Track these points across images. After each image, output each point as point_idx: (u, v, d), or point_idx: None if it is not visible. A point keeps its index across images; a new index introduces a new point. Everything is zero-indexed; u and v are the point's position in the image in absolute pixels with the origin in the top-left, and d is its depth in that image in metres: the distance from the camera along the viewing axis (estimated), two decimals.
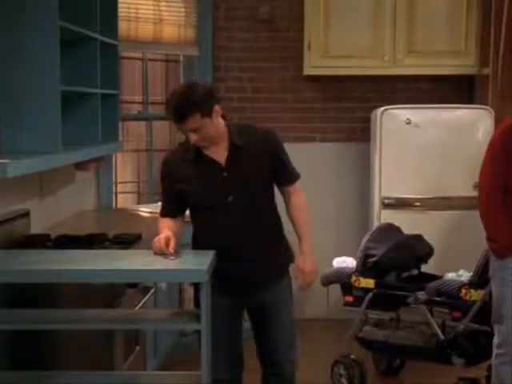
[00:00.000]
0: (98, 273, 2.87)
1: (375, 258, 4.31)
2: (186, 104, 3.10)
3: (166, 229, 3.23)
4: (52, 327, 3.04)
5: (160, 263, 2.96)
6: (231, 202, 3.21)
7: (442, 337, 4.12)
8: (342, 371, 4.49)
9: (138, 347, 3.74)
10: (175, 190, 3.27)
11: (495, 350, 3.72)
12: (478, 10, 5.48)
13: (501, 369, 3.71)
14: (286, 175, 3.39)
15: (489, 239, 3.71)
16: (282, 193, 3.43)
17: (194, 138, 3.16)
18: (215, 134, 3.20)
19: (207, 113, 3.13)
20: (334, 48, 5.53)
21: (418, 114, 5.23)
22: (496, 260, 3.67)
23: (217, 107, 3.19)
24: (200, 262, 2.93)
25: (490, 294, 3.83)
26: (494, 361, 3.74)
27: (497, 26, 5.27)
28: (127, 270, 2.92)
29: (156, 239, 3.13)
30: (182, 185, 3.24)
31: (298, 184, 3.43)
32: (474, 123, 5.20)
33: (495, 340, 3.72)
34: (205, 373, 2.92)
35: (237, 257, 3.22)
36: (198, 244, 3.31)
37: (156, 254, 3.08)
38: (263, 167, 3.28)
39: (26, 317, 3.01)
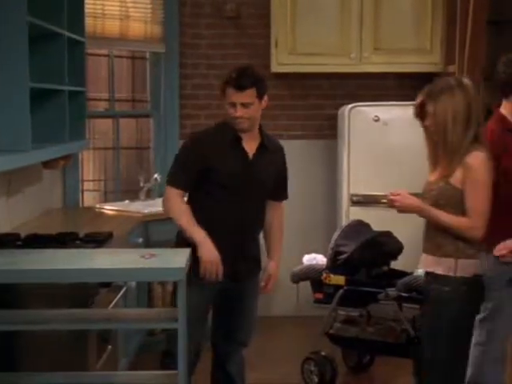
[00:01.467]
0: (73, 272, 2.84)
1: (345, 255, 4.32)
2: (251, 77, 3.44)
3: (197, 226, 3.42)
4: (24, 328, 2.99)
5: (136, 262, 2.94)
6: (247, 191, 3.50)
7: (413, 332, 4.15)
8: (313, 368, 4.50)
9: (110, 347, 3.70)
10: (201, 167, 3.47)
11: (479, 348, 3.73)
12: (444, 8, 5.55)
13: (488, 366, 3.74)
14: (282, 191, 3.73)
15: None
16: (270, 206, 3.69)
17: (239, 112, 3.41)
18: (256, 119, 3.50)
19: (261, 95, 3.47)
20: (301, 45, 5.54)
21: (386, 111, 5.27)
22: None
23: (266, 97, 3.52)
24: (177, 261, 2.91)
25: None
26: (477, 359, 3.75)
27: (462, 24, 5.32)
28: (103, 270, 2.90)
29: (211, 261, 3.36)
30: (215, 163, 3.46)
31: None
32: None
33: (479, 338, 3.73)
34: (181, 372, 2.90)
35: (237, 238, 3.51)
36: (202, 220, 3.45)
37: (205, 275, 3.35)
38: (274, 175, 3.62)
39: None
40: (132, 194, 5.60)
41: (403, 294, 4.15)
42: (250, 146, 3.53)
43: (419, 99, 3.33)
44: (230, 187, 3.48)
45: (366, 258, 4.36)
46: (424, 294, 3.41)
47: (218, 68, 5.82)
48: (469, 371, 3.69)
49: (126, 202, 5.40)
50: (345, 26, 5.54)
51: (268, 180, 3.58)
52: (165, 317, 2.96)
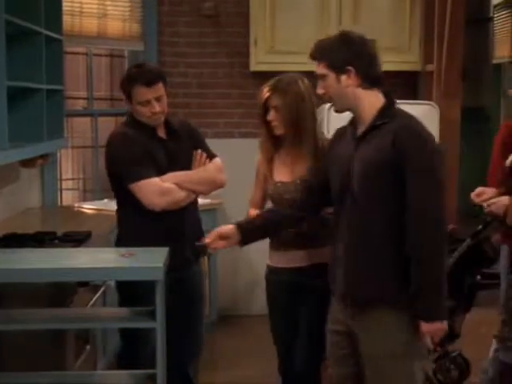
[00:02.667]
0: (51, 272, 2.82)
1: None
2: (154, 71, 3.49)
3: None
4: (1, 328, 2.97)
5: (114, 261, 2.93)
6: None
7: None
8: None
9: (88, 346, 3.69)
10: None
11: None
12: (422, 7, 5.58)
13: None
14: (207, 154, 3.67)
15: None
16: None
17: (157, 107, 3.39)
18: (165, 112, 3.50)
19: (166, 86, 3.48)
20: (280, 44, 5.55)
21: None
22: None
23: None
24: (154, 260, 2.90)
25: None
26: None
27: (440, 23, 5.36)
28: (81, 269, 2.88)
29: None
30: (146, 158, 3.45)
31: None
32: (419, 119, 5.25)
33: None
34: (160, 371, 2.89)
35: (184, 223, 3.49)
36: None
37: None
38: (192, 151, 3.60)
39: None
40: (111, 192, 5.56)
41: None
42: (162, 134, 3.53)
43: (265, 94, 3.31)
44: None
45: None
46: None
47: (197, 66, 5.82)
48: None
49: (105, 200, 5.37)
50: (323, 24, 5.54)
51: (190, 160, 3.54)
52: (143, 316, 2.95)
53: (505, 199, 3.53)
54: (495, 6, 9.31)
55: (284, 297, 3.40)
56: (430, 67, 5.45)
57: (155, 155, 3.44)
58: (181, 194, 3.43)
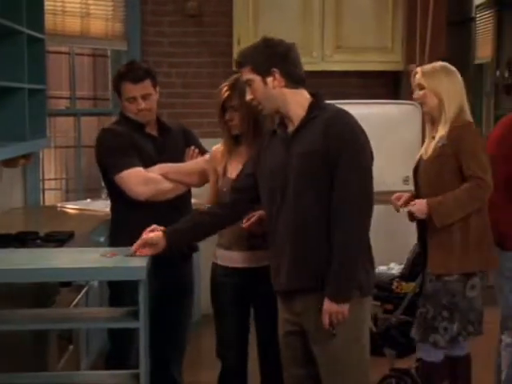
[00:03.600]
0: (33, 272, 2.81)
1: None
2: (142, 68, 3.53)
3: None
4: None
5: (97, 261, 2.92)
6: None
7: (374, 329, 4.17)
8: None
9: (71, 346, 3.68)
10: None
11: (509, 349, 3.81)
12: (404, 7, 5.60)
13: None
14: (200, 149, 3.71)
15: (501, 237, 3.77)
16: None
17: (143, 104, 3.43)
18: (155, 111, 3.57)
19: (155, 84, 3.53)
20: None
21: (348, 109, 5.25)
22: (503, 253, 3.75)
23: (157, 88, 3.58)
24: (138, 260, 2.90)
25: (420, 286, 3.92)
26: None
27: (422, 23, 5.39)
28: (63, 269, 2.87)
29: None
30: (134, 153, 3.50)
31: None
32: (402, 118, 5.30)
33: (507, 340, 3.82)
34: (143, 370, 2.89)
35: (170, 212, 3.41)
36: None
37: None
38: (184, 148, 3.65)
39: None
40: (94, 192, 5.57)
41: None
42: (153, 131, 3.57)
43: (225, 94, 3.34)
44: None
45: None
46: None
47: (180, 66, 5.82)
48: (503, 373, 3.76)
49: (88, 200, 5.37)
50: (307, 24, 5.57)
51: (181, 156, 3.57)
52: (126, 316, 2.94)
53: (424, 200, 3.59)
54: (477, 7, 9.37)
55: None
56: (412, 67, 5.47)
57: (143, 149, 3.47)
58: (166, 185, 3.44)
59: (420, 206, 3.59)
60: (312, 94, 2.93)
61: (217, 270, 3.46)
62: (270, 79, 2.84)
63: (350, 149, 2.81)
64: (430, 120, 3.69)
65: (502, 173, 3.66)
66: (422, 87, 3.66)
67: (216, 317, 3.48)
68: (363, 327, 3.00)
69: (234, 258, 3.37)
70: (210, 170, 3.45)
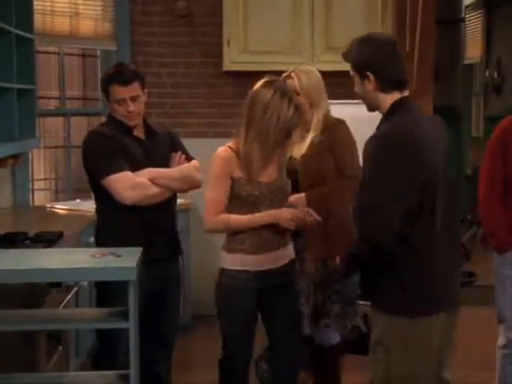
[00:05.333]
0: (22, 272, 2.80)
1: None
2: (131, 70, 3.53)
3: None
4: None
5: (86, 262, 2.91)
6: None
7: (365, 329, 4.19)
8: (264, 366, 4.50)
9: (60, 347, 3.67)
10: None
11: (501, 351, 3.81)
12: (393, 8, 5.60)
13: (508, 369, 3.79)
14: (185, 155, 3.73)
15: (488, 235, 3.80)
16: None
17: (131, 107, 3.42)
18: (142, 113, 3.55)
19: (143, 87, 3.55)
20: (253, 43, 5.55)
21: (338, 109, 5.27)
22: (497, 257, 3.77)
23: (145, 90, 3.58)
24: (127, 260, 2.89)
25: None
26: (500, 362, 3.81)
27: (412, 24, 5.40)
28: (53, 270, 2.86)
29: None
30: (121, 154, 3.49)
31: None
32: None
33: (500, 341, 3.81)
34: (133, 371, 2.88)
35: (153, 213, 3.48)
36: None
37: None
38: (169, 153, 3.66)
39: None
40: (83, 192, 5.54)
41: (356, 291, 4.18)
42: (140, 134, 3.56)
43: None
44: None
45: None
46: None
47: (170, 66, 5.81)
48: (496, 375, 3.78)
49: (78, 201, 5.35)
50: (296, 24, 5.56)
51: (167, 160, 3.57)
52: (116, 316, 2.93)
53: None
54: (466, 7, 9.40)
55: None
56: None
57: (131, 152, 3.48)
58: (154, 190, 3.44)
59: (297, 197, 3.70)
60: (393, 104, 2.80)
61: (235, 275, 3.36)
62: (365, 81, 2.81)
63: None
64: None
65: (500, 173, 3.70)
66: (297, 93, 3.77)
67: (230, 320, 3.44)
68: None
69: (257, 262, 3.35)
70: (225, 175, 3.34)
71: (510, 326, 3.74)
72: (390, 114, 2.79)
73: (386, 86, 2.78)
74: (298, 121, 3.34)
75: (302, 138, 3.85)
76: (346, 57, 2.90)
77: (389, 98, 2.79)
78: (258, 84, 3.34)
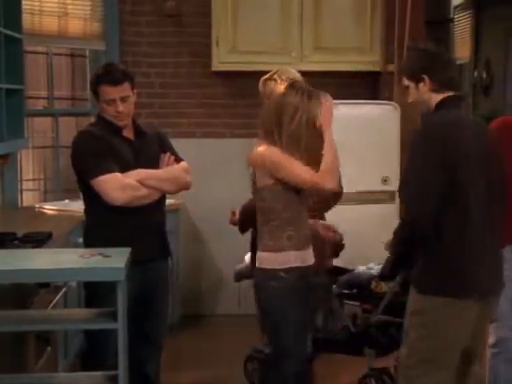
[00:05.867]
0: (11, 273, 2.79)
1: None
2: (121, 70, 3.52)
3: None
4: None
5: (75, 262, 2.90)
6: None
7: (353, 329, 4.19)
8: (256, 366, 4.50)
9: (49, 348, 3.66)
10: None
11: (491, 350, 3.80)
12: (383, 8, 5.62)
13: (498, 368, 3.79)
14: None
15: None
16: None
17: (121, 107, 3.42)
18: (132, 113, 3.54)
19: (133, 87, 3.56)
20: (242, 44, 5.56)
21: None
22: None
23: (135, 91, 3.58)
24: (117, 260, 2.89)
25: (400, 285, 3.94)
26: (490, 361, 3.81)
27: (400, 24, 5.41)
28: (41, 270, 2.85)
29: None
30: (110, 154, 3.48)
31: None
32: (380, 119, 5.31)
33: (491, 340, 3.79)
34: (121, 372, 2.88)
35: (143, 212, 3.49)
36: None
37: None
38: (159, 154, 3.66)
39: None
40: (72, 193, 5.52)
41: (344, 291, 4.19)
42: (129, 135, 3.56)
43: None
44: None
45: None
46: None
47: (159, 66, 5.81)
48: (487, 374, 3.79)
49: (66, 201, 5.34)
50: (285, 24, 5.57)
51: (157, 161, 3.57)
52: (104, 317, 2.93)
53: None
54: (455, 8, 9.41)
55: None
56: (391, 67, 5.50)
57: (120, 153, 3.48)
58: (143, 191, 3.44)
59: None
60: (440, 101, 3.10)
61: (290, 273, 3.28)
62: (421, 84, 3.11)
63: None
64: None
65: None
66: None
67: (289, 321, 3.34)
68: None
69: (305, 257, 3.34)
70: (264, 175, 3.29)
71: (501, 325, 3.74)
72: (435, 111, 3.11)
73: (438, 86, 3.10)
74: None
75: None
76: (402, 70, 3.26)
77: (440, 97, 3.10)
78: (282, 88, 3.38)
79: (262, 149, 3.28)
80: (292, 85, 3.35)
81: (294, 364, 3.36)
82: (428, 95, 3.12)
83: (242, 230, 3.79)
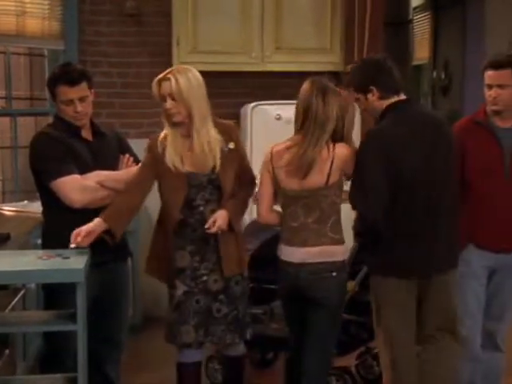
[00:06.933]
0: None
1: (249, 252, 4.34)
2: (79, 70, 3.51)
3: None
4: None
5: (33, 264, 2.87)
6: None
7: None
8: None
9: (7, 350, 3.61)
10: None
11: None
12: (343, 9, 5.65)
13: (463, 366, 3.78)
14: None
15: None
16: None
17: (79, 107, 3.41)
18: (90, 113, 3.54)
19: (91, 87, 3.53)
20: (203, 44, 5.54)
21: (288, 109, 5.29)
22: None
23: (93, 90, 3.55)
24: (76, 262, 2.87)
25: (360, 285, 3.96)
26: None
27: (360, 24, 5.45)
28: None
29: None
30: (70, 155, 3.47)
31: None
32: None
33: None
34: (81, 374, 2.86)
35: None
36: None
37: None
38: (118, 154, 3.69)
39: None
40: (31, 194, 5.47)
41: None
42: (88, 136, 3.55)
43: None
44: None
45: (270, 256, 4.39)
46: None
47: (119, 66, 5.77)
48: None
49: (25, 202, 5.28)
50: (246, 24, 5.57)
51: (115, 163, 3.57)
52: (64, 319, 2.90)
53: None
54: (414, 9, 9.51)
55: None
56: (350, 67, 5.53)
57: (78, 154, 3.45)
58: (102, 193, 3.42)
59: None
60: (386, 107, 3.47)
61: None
62: (369, 95, 3.46)
63: None
64: None
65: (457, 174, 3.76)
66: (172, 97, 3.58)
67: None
68: None
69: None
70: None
71: (464, 324, 3.78)
72: (381, 116, 3.45)
73: (385, 93, 3.44)
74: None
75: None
76: (349, 83, 3.56)
77: (387, 103, 3.45)
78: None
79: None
80: (311, 81, 3.55)
81: None
82: (378, 103, 3.46)
83: None
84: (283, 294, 3.67)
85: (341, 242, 3.49)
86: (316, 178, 3.41)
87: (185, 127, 3.48)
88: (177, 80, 3.44)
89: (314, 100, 3.42)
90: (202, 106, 3.47)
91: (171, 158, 3.43)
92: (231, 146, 3.52)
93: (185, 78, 3.46)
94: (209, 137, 3.44)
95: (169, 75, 3.48)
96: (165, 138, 3.51)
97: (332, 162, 3.40)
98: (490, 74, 3.69)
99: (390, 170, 3.32)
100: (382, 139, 3.35)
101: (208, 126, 3.45)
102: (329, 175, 3.41)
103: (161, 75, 3.55)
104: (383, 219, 3.33)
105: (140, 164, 3.53)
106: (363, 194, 3.34)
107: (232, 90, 5.90)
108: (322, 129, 3.39)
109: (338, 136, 3.45)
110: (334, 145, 3.42)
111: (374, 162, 3.32)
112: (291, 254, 3.51)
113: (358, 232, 3.53)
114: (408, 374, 3.47)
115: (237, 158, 3.55)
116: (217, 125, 3.53)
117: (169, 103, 3.42)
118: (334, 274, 3.45)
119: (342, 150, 3.42)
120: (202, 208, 3.47)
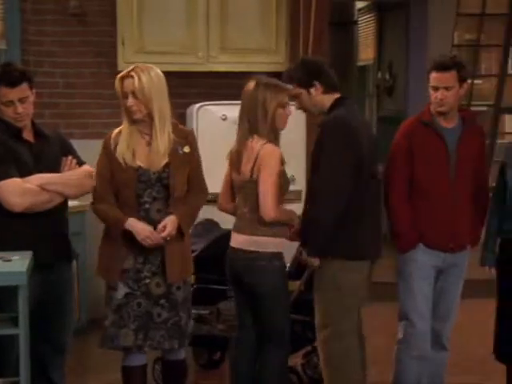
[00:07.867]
0: None
1: (195, 253, 4.33)
2: (19, 71, 3.44)
3: None
4: None
5: None
6: None
7: None
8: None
9: None
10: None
11: (399, 346, 3.87)
12: (288, 9, 5.67)
13: (405, 361, 3.84)
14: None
15: (394, 236, 3.86)
16: None
17: (20, 109, 3.35)
18: (31, 114, 3.50)
19: (32, 87, 3.48)
20: (149, 44, 5.52)
21: (234, 110, 5.29)
22: (401, 256, 3.84)
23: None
24: (18, 264, 2.82)
25: (305, 284, 3.98)
26: (397, 356, 3.88)
27: (305, 25, 5.48)
28: None
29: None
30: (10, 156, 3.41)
31: None
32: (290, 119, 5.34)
33: (399, 336, 3.87)
34: (23, 378, 2.82)
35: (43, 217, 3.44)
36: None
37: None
38: (61, 156, 3.62)
39: None
40: None
41: None
42: (29, 137, 3.50)
43: None
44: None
45: (216, 256, 4.38)
46: None
47: (63, 66, 5.71)
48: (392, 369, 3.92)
49: None
50: (192, 24, 5.57)
51: (58, 164, 3.52)
52: (5, 322, 2.86)
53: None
54: (359, 10, 9.61)
55: None
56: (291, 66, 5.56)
57: (19, 156, 3.40)
58: (44, 196, 3.37)
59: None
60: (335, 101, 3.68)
61: (282, 257, 3.76)
62: (312, 90, 3.66)
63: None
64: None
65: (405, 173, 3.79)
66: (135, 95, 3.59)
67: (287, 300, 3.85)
68: None
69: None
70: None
71: (412, 323, 3.81)
72: (332, 109, 3.64)
73: (328, 88, 3.66)
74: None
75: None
76: (292, 78, 3.71)
77: (332, 97, 3.66)
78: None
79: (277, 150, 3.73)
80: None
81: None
82: (320, 97, 3.66)
83: None
84: (229, 279, 3.85)
85: (275, 235, 3.65)
86: (245, 170, 3.66)
87: (144, 125, 3.53)
88: (139, 78, 3.45)
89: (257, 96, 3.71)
90: (163, 105, 3.52)
91: (122, 151, 3.47)
92: (186, 149, 3.58)
93: (147, 77, 3.48)
94: (167, 136, 3.48)
95: (132, 73, 3.48)
96: (119, 133, 3.54)
97: (256, 158, 3.60)
98: (435, 76, 3.74)
99: (355, 157, 3.51)
100: (350, 125, 3.56)
101: (167, 126, 3.50)
102: (252, 169, 3.62)
103: (123, 72, 3.56)
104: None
105: (95, 169, 3.52)
106: (325, 198, 3.53)
107: (178, 91, 5.85)
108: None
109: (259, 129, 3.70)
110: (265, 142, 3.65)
111: (343, 161, 3.50)
112: (233, 239, 3.74)
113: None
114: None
115: (190, 163, 3.59)
116: (176, 129, 3.58)
117: (130, 100, 3.44)
118: (264, 263, 3.62)
119: (267, 148, 3.63)
120: (147, 205, 3.46)
